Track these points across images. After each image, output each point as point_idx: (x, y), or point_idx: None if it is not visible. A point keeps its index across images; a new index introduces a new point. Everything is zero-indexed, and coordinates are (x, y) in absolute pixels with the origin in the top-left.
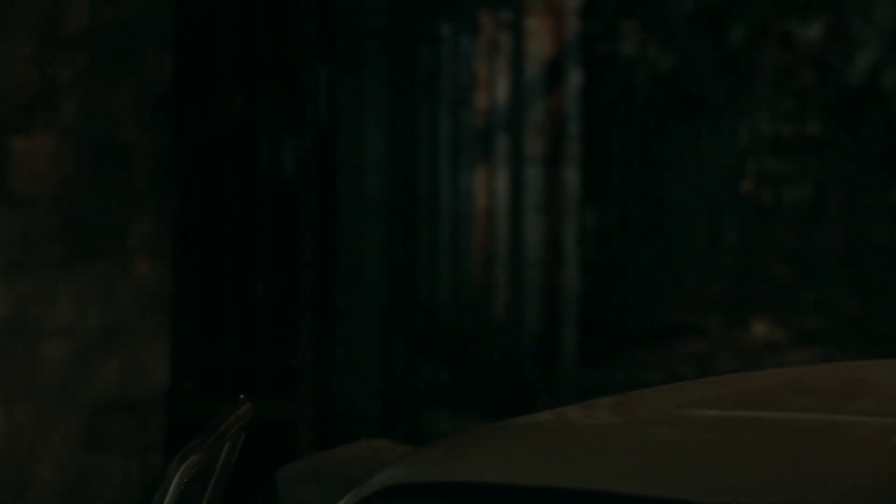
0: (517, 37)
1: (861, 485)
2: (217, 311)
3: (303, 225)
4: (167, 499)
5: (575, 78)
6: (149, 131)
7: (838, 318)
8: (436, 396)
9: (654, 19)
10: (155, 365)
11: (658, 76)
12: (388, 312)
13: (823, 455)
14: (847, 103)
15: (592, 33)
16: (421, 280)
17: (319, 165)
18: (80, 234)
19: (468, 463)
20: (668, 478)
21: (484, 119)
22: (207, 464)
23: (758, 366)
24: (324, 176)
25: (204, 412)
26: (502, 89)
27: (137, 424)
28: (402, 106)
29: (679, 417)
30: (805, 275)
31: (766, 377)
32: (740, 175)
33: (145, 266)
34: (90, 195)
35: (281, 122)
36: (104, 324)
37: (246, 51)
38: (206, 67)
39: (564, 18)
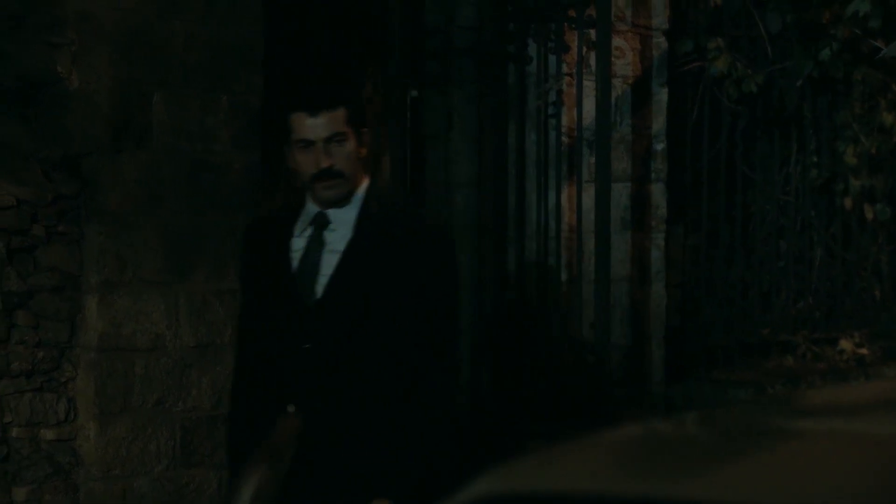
0: (604, 55)
1: None
2: None
3: None
4: None
5: (661, 96)
6: (241, 149)
7: None
8: (524, 411)
9: (741, 37)
10: None
11: (745, 94)
12: (477, 328)
13: None
14: None
15: (679, 51)
16: (509, 296)
17: (409, 183)
18: (173, 252)
19: (560, 474)
20: (757, 488)
21: (571, 136)
22: (269, 474)
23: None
24: (413, 193)
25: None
26: (589, 107)
27: None
28: (490, 123)
29: (767, 429)
30: (894, 291)
31: (860, 389)
32: (828, 192)
33: (237, 282)
34: (183, 213)
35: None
36: (197, 339)
37: (336, 69)
38: (296, 86)
39: (651, 37)
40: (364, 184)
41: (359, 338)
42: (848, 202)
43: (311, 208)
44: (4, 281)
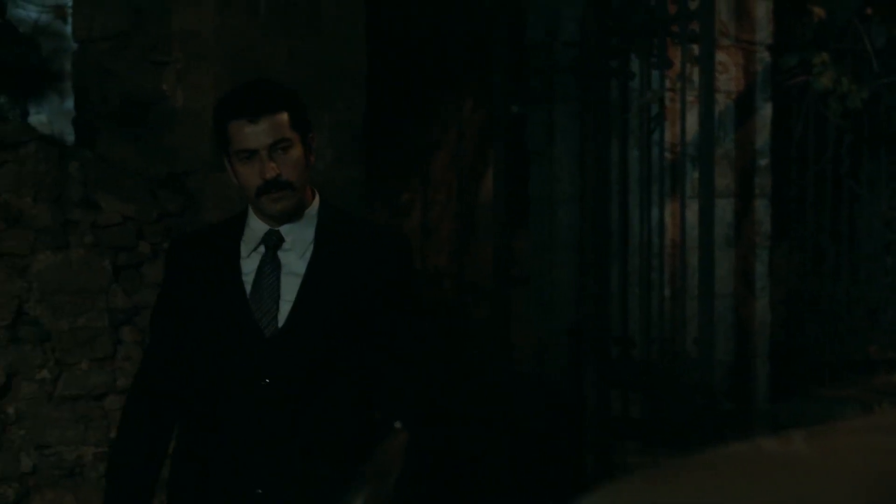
0: (707, 70)
1: None
2: None
3: (496, 257)
4: None
5: (765, 111)
6: (344, 166)
7: None
8: (627, 429)
9: (846, 52)
10: None
11: (850, 109)
12: (579, 344)
13: None
14: None
15: (784, 66)
16: (612, 312)
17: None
18: None
19: (669, 491)
20: None
21: (674, 152)
22: (376, 495)
23: None
24: (516, 208)
25: None
26: (692, 122)
27: None
28: (592, 139)
29: (879, 447)
30: None
31: None
32: None
33: None
34: None
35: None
36: None
37: (438, 84)
38: (400, 102)
39: (755, 52)
40: (317, 198)
41: (327, 367)
42: None
43: (258, 225)
44: (111, 297)
